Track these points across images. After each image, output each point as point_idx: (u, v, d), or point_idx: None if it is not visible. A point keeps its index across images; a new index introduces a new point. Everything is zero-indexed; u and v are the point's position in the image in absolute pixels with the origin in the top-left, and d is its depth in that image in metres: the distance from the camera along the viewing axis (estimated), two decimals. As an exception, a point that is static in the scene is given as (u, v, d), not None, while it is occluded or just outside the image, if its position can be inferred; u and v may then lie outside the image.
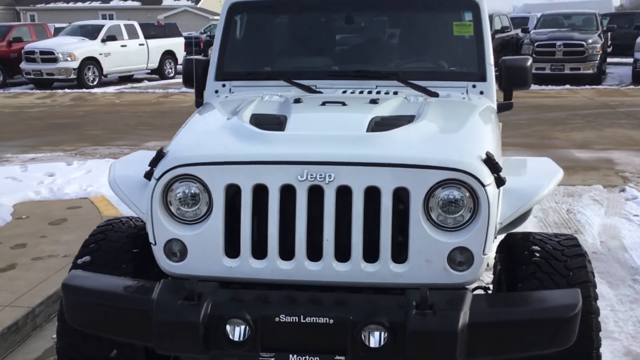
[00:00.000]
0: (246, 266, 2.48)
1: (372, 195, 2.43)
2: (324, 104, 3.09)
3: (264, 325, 2.29)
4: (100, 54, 19.44)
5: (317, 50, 3.84)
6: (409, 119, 2.84)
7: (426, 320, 2.22)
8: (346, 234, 2.44)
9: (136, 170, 2.71)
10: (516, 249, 2.81)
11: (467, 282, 2.45)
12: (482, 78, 3.55)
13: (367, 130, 2.68)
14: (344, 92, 3.39)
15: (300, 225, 2.44)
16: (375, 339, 2.26)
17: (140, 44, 20.61)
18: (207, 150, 2.61)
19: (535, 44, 17.25)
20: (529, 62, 3.62)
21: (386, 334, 2.25)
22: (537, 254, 2.72)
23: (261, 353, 2.32)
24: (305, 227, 2.44)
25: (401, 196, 2.44)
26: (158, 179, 2.52)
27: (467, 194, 2.43)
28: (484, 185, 2.41)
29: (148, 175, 2.58)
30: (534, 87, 17.15)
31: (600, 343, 2.56)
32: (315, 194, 2.44)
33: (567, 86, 16.67)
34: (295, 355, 2.31)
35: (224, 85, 3.67)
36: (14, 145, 10.21)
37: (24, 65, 19.19)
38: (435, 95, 3.41)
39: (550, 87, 17.04)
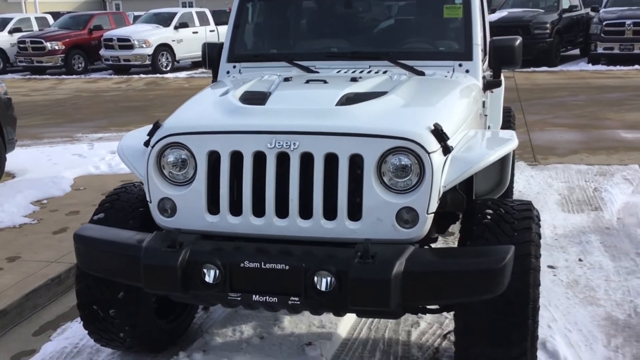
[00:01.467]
0: (224, 222, 2.89)
1: (332, 161, 2.78)
2: (307, 82, 3.46)
3: (232, 269, 2.70)
4: (173, 41, 20.33)
5: (318, 33, 4.20)
6: (379, 95, 3.16)
7: (365, 269, 2.56)
8: (309, 195, 2.80)
9: (141, 140, 3.16)
10: (474, 212, 3.09)
11: (413, 238, 2.76)
12: (468, 57, 3.80)
13: (336, 105, 3.02)
14: (338, 71, 3.74)
15: (270, 187, 2.82)
16: (324, 284, 2.62)
17: (210, 30, 21.37)
18: (193, 121, 3.03)
19: (604, 23, 16.81)
20: (517, 42, 3.82)
21: (333, 280, 2.61)
22: (489, 217, 2.99)
23: (229, 293, 2.72)
24: (273, 189, 2.82)
25: (357, 162, 2.77)
26: (153, 146, 2.96)
27: (415, 160, 2.74)
28: (428, 153, 2.71)
29: (147, 144, 3.02)
30: (600, 67, 16.83)
31: (536, 296, 2.80)
32: (283, 160, 2.81)
33: (636, 66, 16.19)
34: (257, 296, 2.70)
35: (234, 67, 4.09)
36: (86, 126, 11.04)
37: (103, 52, 20.34)
38: (422, 73, 3.70)
39: (618, 67, 16.60)
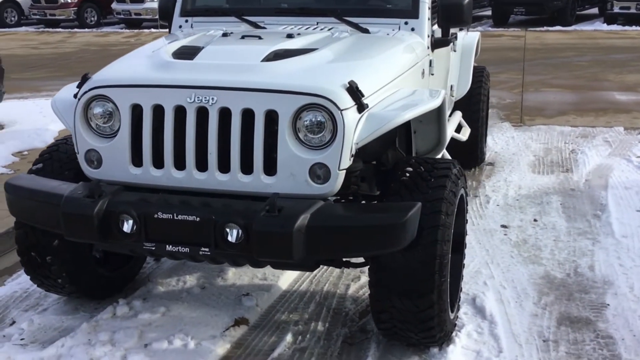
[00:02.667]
0: (147, 174, 2.97)
1: (249, 116, 2.83)
2: (243, 37, 3.49)
3: (146, 220, 2.79)
4: (184, -5, 20.21)
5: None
6: (308, 51, 3.18)
7: (268, 221, 2.63)
8: (227, 150, 2.87)
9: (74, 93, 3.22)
10: (396, 169, 3.13)
11: (325, 193, 2.82)
12: (414, 15, 3.79)
13: (262, 61, 3.05)
14: (285, 28, 3.76)
15: (190, 141, 2.88)
16: (233, 236, 2.71)
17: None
18: (120, 74, 3.10)
19: (620, -19, 16.38)
20: (466, 0, 3.79)
21: (241, 232, 2.69)
22: (407, 174, 3.04)
23: (145, 243, 2.82)
24: (193, 143, 2.88)
25: (273, 118, 2.82)
26: (79, 99, 3.03)
27: (328, 117, 2.78)
28: (340, 110, 2.75)
29: (76, 96, 3.09)
30: (616, 27, 16.45)
31: (444, 251, 2.86)
32: (203, 114, 2.87)
33: (652, 27, 15.83)
34: (170, 246, 2.80)
35: (186, 21, 4.12)
36: (86, 79, 11.14)
37: (115, 5, 20.36)
38: (366, 31, 3.70)
39: (634, 27, 16.22)
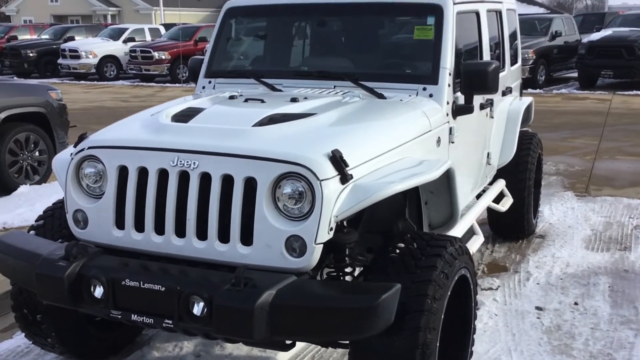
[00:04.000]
0: (129, 237, 2.89)
1: (229, 182, 2.72)
2: (246, 100, 3.41)
3: (114, 287, 2.69)
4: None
5: (290, 52, 4.15)
6: (305, 117, 3.06)
7: (230, 296, 2.47)
8: (207, 216, 2.75)
9: None
10: (388, 244, 2.91)
11: (301, 268, 2.63)
12: (433, 81, 3.60)
13: (254, 125, 2.96)
14: (300, 90, 3.68)
15: (170, 205, 2.80)
16: (198, 309, 2.56)
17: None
18: (112, 136, 3.07)
19: None
20: (492, 67, 3.57)
21: (205, 306, 2.54)
22: (398, 250, 2.82)
23: (112, 310, 2.72)
24: (174, 207, 2.79)
25: (253, 185, 2.69)
26: (72, 158, 3.03)
27: (307, 187, 2.62)
28: (319, 180, 2.59)
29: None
30: None
31: (428, 340, 2.59)
32: (185, 178, 2.78)
33: None
34: (136, 315, 2.68)
35: (209, 82, 4.12)
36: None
37: (203, 62, 21.17)
38: (381, 96, 3.55)
39: None
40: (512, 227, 5.37)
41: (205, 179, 2.75)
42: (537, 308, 4.22)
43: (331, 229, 2.63)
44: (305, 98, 3.43)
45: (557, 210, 6.35)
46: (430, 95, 3.59)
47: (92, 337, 3.47)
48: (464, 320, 3.18)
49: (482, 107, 4.25)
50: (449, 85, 3.62)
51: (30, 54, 22.91)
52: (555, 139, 10.07)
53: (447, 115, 3.61)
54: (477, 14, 4.22)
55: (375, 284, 2.60)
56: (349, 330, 2.47)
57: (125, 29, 24.34)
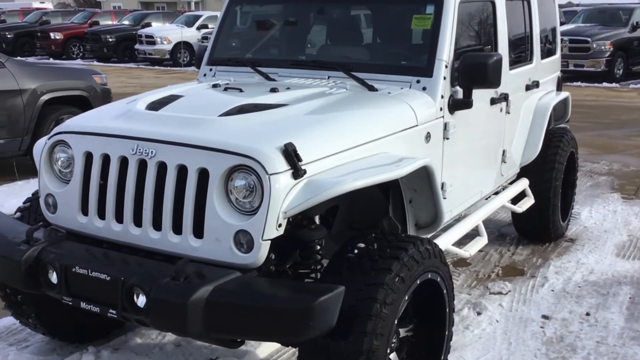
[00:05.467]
0: (91, 224, 2.89)
1: (183, 173, 2.66)
2: (225, 89, 3.35)
3: (66, 273, 2.69)
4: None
5: (289, 42, 4.05)
6: (275, 107, 2.97)
7: (166, 289, 2.41)
8: (161, 206, 2.71)
9: None
10: (348, 243, 2.78)
11: (248, 264, 2.55)
12: (428, 73, 3.41)
13: (220, 115, 2.89)
14: (293, 80, 3.59)
15: (128, 194, 2.78)
16: (141, 300, 2.53)
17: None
18: (82, 122, 3.08)
19: None
20: (492, 60, 3.34)
21: (146, 298, 2.50)
22: (357, 250, 2.69)
23: (64, 296, 2.73)
24: (132, 195, 2.77)
25: (206, 177, 2.63)
26: (46, 143, 3.05)
27: (257, 181, 2.53)
28: (268, 174, 2.49)
29: (47, 140, 3.12)
30: None
31: (374, 346, 2.45)
32: (143, 167, 2.75)
33: None
34: (84, 303, 2.68)
35: (210, 70, 4.08)
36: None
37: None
38: (372, 88, 3.41)
39: None
40: (537, 230, 5.08)
41: (162, 168, 2.71)
42: (544, 317, 3.97)
43: (280, 225, 2.53)
44: (288, 88, 3.33)
45: (596, 212, 5.98)
46: (424, 89, 3.41)
47: (74, 320, 3.51)
48: (437, 327, 3.02)
49: (493, 101, 4.01)
50: (444, 78, 3.42)
51: (110, 39, 23.67)
52: (617, 137, 9.52)
53: (441, 110, 3.42)
54: (493, 3, 3.98)
55: (318, 285, 2.50)
56: (283, 331, 2.38)
57: (199, 16, 24.75)
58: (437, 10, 3.48)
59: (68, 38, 24.76)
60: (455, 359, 3.50)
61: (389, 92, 3.34)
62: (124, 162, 2.80)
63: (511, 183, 4.81)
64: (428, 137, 3.33)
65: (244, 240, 2.55)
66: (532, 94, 4.78)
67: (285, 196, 2.52)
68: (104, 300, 2.62)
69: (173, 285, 2.43)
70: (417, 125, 3.23)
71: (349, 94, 3.31)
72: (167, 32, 23.23)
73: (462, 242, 3.93)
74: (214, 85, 3.47)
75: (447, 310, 3.02)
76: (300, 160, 2.54)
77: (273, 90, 3.24)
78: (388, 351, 2.57)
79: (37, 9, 34.46)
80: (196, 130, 2.73)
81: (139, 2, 50.62)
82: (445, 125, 3.46)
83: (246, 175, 2.56)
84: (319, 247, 2.97)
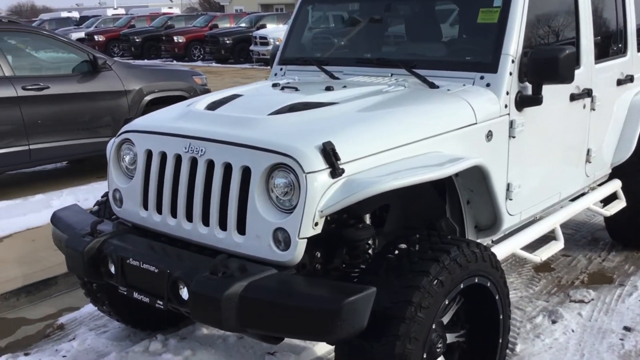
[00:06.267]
0: (151, 218, 3.03)
1: (229, 171, 2.73)
2: (282, 89, 3.38)
3: (122, 264, 2.84)
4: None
5: (354, 39, 4.01)
6: (324, 106, 2.97)
7: (203, 284, 2.48)
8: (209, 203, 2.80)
9: None
10: (390, 244, 2.72)
11: (286, 261, 2.56)
12: (492, 69, 3.28)
13: (270, 114, 2.93)
14: (357, 78, 3.59)
15: (182, 190, 2.88)
16: (185, 293, 2.62)
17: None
18: (146, 121, 3.22)
19: None
20: (563, 54, 3.16)
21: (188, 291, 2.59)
22: (397, 251, 2.63)
23: (120, 286, 2.88)
24: (185, 192, 2.87)
25: (249, 175, 2.68)
26: (114, 141, 3.24)
27: (295, 179, 2.55)
28: (305, 172, 2.50)
29: (118, 138, 3.31)
30: None
31: (407, 350, 2.39)
32: (195, 165, 2.85)
33: None
34: (137, 293, 2.81)
35: (281, 69, 4.14)
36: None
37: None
38: (433, 85, 3.33)
39: None
40: (631, 235, 4.74)
41: (211, 165, 2.79)
42: (625, 328, 3.70)
43: (316, 224, 2.53)
44: (344, 87, 3.32)
45: None
46: (488, 85, 3.27)
47: (144, 309, 3.68)
48: (490, 334, 2.90)
49: (572, 97, 3.79)
50: (510, 74, 3.27)
51: (227, 41, 24.59)
52: None
53: (506, 107, 3.27)
54: None
55: (350, 286, 2.46)
56: (311, 330, 2.37)
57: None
58: (505, 3, 3.34)
59: (190, 41, 26.03)
60: (519, 368, 3.35)
61: (449, 90, 3.24)
62: (178, 159, 2.91)
63: (601, 184, 4.51)
64: (490, 135, 3.20)
65: (281, 238, 2.57)
66: (625, 90, 4.46)
67: (322, 195, 2.51)
68: (153, 292, 2.74)
69: (210, 279, 2.49)
70: (475, 124, 3.12)
71: (405, 91, 3.25)
72: (279, 33, 23.72)
73: (536, 247, 3.75)
74: (274, 85, 3.53)
75: (501, 316, 2.89)
76: (338, 159, 2.53)
77: (328, 88, 3.25)
78: (425, 356, 2.50)
79: (165, 13, 36.48)
80: (242, 129, 2.79)
81: (258, 4, 52.14)
82: (512, 123, 3.31)
83: (286, 173, 2.58)
84: (367, 246, 2.97)
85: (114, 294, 3.47)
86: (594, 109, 4.05)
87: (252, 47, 23.70)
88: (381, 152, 2.72)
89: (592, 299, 4.08)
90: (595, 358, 3.41)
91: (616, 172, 4.55)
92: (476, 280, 2.70)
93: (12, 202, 6.34)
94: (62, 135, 6.75)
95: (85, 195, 6.32)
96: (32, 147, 6.55)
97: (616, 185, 4.51)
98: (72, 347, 3.68)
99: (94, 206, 3.66)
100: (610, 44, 4.31)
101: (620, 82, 4.36)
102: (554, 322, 3.80)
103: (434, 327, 2.53)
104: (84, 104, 6.89)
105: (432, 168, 2.70)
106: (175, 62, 23.93)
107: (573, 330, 3.70)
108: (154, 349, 3.58)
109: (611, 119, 4.36)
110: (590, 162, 4.15)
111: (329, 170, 2.53)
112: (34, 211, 5.92)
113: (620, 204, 4.47)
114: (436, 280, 2.50)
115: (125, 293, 2.88)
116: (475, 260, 2.68)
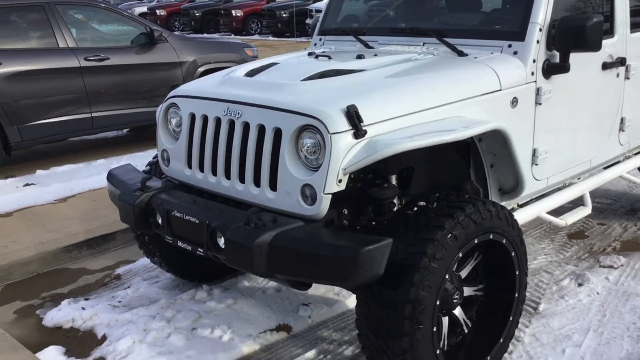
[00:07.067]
0: (194, 176, 3.31)
1: (263, 132, 2.97)
2: (316, 57, 3.59)
3: (168, 216, 3.13)
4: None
5: (388, 9, 4.16)
6: (353, 72, 3.17)
7: (237, 232, 2.73)
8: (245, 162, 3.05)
9: None
10: (411, 201, 2.91)
11: (312, 215, 2.79)
12: (520, 37, 3.39)
13: (302, 80, 3.15)
14: (391, 47, 3.77)
15: (221, 150, 3.14)
16: (222, 241, 2.89)
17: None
18: (191, 87, 3.48)
19: None
20: (591, 22, 3.25)
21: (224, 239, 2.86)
22: (416, 208, 2.82)
23: (167, 236, 3.17)
24: (224, 152, 3.13)
25: (280, 135, 2.91)
26: (162, 105, 3.52)
27: (321, 140, 2.76)
28: (330, 133, 2.71)
29: (166, 103, 3.60)
30: None
31: (420, 296, 2.60)
32: (232, 126, 3.11)
33: None
34: (180, 242, 3.10)
35: (320, 39, 4.34)
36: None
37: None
38: (462, 53, 3.47)
39: None
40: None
41: (247, 127, 3.03)
42: (650, 293, 3.80)
43: (340, 181, 2.74)
44: (375, 55, 3.50)
45: None
46: (515, 53, 3.39)
47: (192, 261, 4.00)
48: (507, 289, 3.07)
49: (605, 66, 3.86)
50: (537, 42, 3.38)
51: (284, 15, 24.76)
52: None
53: (533, 74, 3.39)
54: None
55: (369, 237, 2.66)
56: (333, 276, 2.60)
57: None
58: None
59: (247, 15, 26.33)
60: (541, 325, 3.51)
61: (475, 57, 3.38)
62: (218, 122, 3.17)
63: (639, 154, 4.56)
64: (515, 102, 3.32)
65: (308, 194, 2.80)
66: (665, 59, 4.46)
67: (345, 154, 2.72)
68: (195, 240, 3.03)
69: (243, 229, 2.75)
70: (500, 90, 3.25)
71: (433, 59, 3.40)
72: (337, 6, 23.76)
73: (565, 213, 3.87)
74: (309, 54, 3.73)
75: (517, 272, 3.06)
76: (361, 121, 2.72)
77: (359, 57, 3.44)
78: (438, 303, 2.70)
79: (224, -13, 36.84)
80: (275, 94, 3.01)
81: (318, -23, 51.95)
82: (538, 90, 3.42)
83: (313, 134, 2.79)
84: (392, 205, 3.17)
85: (164, 246, 3.82)
86: (628, 78, 4.10)
87: (308, 21, 23.80)
88: (403, 116, 2.90)
89: (622, 265, 4.17)
90: (616, 318, 3.53)
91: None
92: (491, 237, 2.87)
93: (76, 166, 6.80)
94: (121, 104, 7.15)
95: (142, 161, 6.68)
96: (93, 114, 6.97)
97: (653, 155, 4.55)
98: (127, 294, 4.04)
99: (146, 166, 3.97)
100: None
101: (660, 51, 4.37)
102: (580, 285, 3.93)
103: (447, 277, 2.72)
104: (141, 75, 7.26)
105: (449, 131, 2.86)
106: (233, 35, 24.33)
107: (598, 293, 3.82)
108: (200, 297, 3.90)
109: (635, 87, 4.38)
110: (624, 131, 4.21)
111: (352, 131, 2.73)
112: (96, 174, 6.34)
113: (655, 173, 4.51)
114: (450, 234, 2.68)
115: (170, 242, 3.17)
116: (490, 218, 2.85)
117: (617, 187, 5.65)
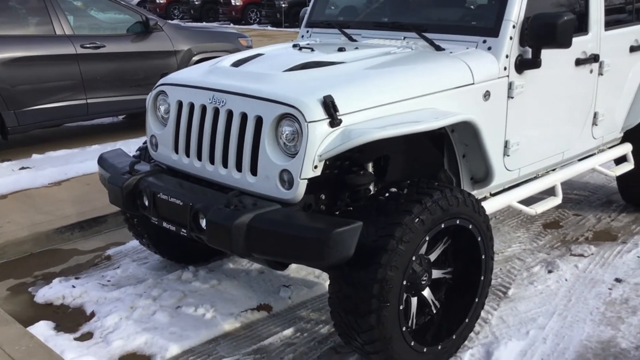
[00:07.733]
0: (180, 161, 3.47)
1: (245, 120, 3.13)
2: (300, 49, 3.75)
3: (154, 198, 3.30)
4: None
5: (373, 3, 4.32)
6: (330, 64, 3.33)
7: (217, 214, 2.90)
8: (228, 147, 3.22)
9: None
10: (384, 188, 3.08)
11: (290, 199, 2.95)
12: (494, 34, 3.55)
13: (284, 71, 3.30)
14: (372, 40, 3.93)
15: (206, 136, 3.31)
16: (203, 222, 3.06)
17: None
18: (179, 75, 3.64)
19: None
20: (562, 20, 3.41)
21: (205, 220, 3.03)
22: (388, 194, 2.99)
23: (153, 217, 3.34)
24: (209, 138, 3.29)
25: (261, 123, 3.07)
26: (152, 92, 3.68)
27: (299, 128, 2.93)
28: (307, 122, 2.87)
29: (155, 91, 3.75)
30: None
31: (388, 276, 2.77)
32: (217, 114, 3.27)
33: None
34: (165, 223, 3.27)
35: (307, 31, 4.50)
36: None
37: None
38: (439, 48, 3.63)
39: None
40: (640, 197, 4.95)
41: (230, 115, 3.20)
42: (616, 279, 3.98)
43: (315, 167, 2.90)
44: (356, 48, 3.65)
45: None
46: (489, 48, 3.55)
47: (180, 244, 4.16)
48: (473, 272, 3.24)
49: (578, 62, 4.02)
50: (510, 39, 3.54)
51: (283, 5, 24.88)
52: None
53: (506, 69, 3.55)
54: None
55: (341, 220, 2.82)
56: (305, 256, 2.77)
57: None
58: None
59: (247, 4, 26.43)
60: (508, 309, 3.69)
61: (451, 52, 3.54)
62: (204, 109, 3.33)
63: (612, 147, 4.73)
64: (487, 95, 3.49)
65: (286, 178, 2.96)
66: (639, 57, 4.63)
67: (321, 142, 2.88)
68: (179, 221, 3.19)
69: (223, 211, 2.92)
70: (472, 84, 3.41)
71: (411, 53, 3.56)
72: (335, -3, 23.84)
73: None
74: (294, 46, 3.89)
75: (483, 256, 3.23)
76: (337, 111, 2.88)
77: (340, 49, 3.59)
78: (405, 283, 2.87)
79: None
80: (258, 84, 3.17)
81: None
82: (510, 85, 3.58)
83: (291, 122, 2.96)
84: (367, 192, 3.34)
85: (152, 228, 3.99)
86: (601, 74, 4.26)
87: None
88: (378, 107, 3.06)
89: (592, 254, 4.35)
90: (581, 303, 3.71)
91: (629, 136, 4.75)
92: (458, 222, 3.04)
93: (71, 151, 6.96)
94: (116, 91, 7.30)
95: (136, 147, 6.79)
96: (89, 101, 7.12)
97: (626, 148, 4.72)
98: (116, 274, 4.21)
99: (136, 151, 4.13)
100: (623, 12, 4.48)
101: (633, 49, 4.53)
102: (550, 271, 4.11)
103: (415, 259, 2.89)
104: (136, 63, 7.40)
105: (420, 122, 3.02)
106: (232, 25, 24.41)
107: (566, 280, 4.00)
108: (186, 277, 4.07)
109: (623, 84, 4.55)
110: (597, 125, 4.37)
111: (328, 120, 2.89)
112: (90, 159, 6.50)
113: (628, 166, 4.68)
114: (417, 219, 2.85)
115: (156, 223, 3.34)
116: (457, 205, 3.01)
117: (596, 180, 5.82)
